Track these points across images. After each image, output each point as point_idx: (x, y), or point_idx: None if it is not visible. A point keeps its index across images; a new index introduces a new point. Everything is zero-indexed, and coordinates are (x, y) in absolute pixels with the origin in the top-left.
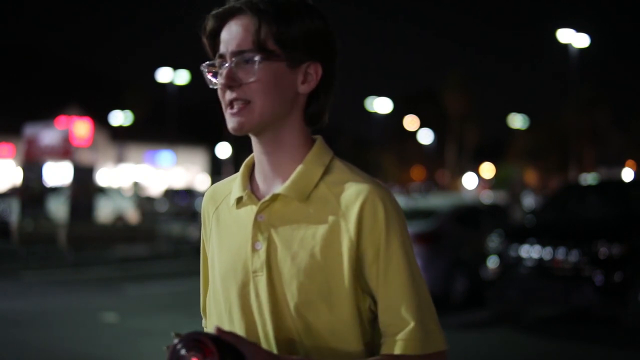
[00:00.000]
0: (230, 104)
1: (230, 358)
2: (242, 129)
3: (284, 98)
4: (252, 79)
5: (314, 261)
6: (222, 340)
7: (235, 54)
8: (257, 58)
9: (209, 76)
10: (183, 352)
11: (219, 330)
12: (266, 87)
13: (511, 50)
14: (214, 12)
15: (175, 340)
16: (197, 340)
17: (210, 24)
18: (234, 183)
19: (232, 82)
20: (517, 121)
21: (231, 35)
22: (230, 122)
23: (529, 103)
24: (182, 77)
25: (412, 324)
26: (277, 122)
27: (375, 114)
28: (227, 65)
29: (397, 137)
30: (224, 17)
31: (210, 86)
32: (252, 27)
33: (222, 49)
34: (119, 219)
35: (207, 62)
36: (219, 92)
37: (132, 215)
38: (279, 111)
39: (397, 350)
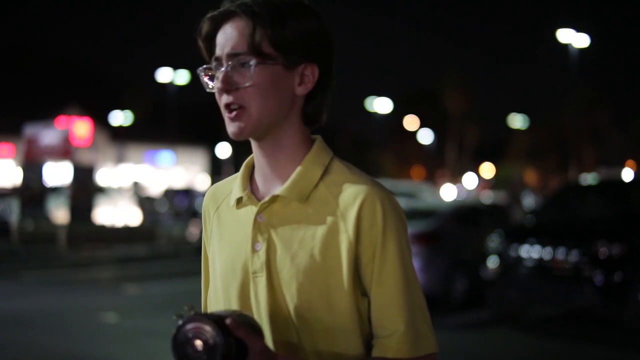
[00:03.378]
0: (228, 107)
1: (235, 347)
2: (242, 134)
3: (281, 100)
4: (248, 84)
5: (313, 262)
6: (231, 331)
7: (230, 56)
8: (252, 62)
9: (206, 79)
10: (189, 334)
11: (234, 323)
12: (262, 91)
13: (511, 50)
14: (209, 15)
15: (180, 321)
16: (202, 329)
17: (205, 27)
18: (234, 183)
19: (228, 86)
20: (517, 121)
21: (226, 37)
22: (230, 127)
23: (529, 103)
24: (182, 77)
25: (402, 327)
26: (276, 124)
27: (375, 114)
28: (223, 69)
29: (397, 137)
30: (220, 20)
31: (207, 90)
32: (247, 30)
33: (218, 51)
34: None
35: (204, 66)
36: (217, 96)
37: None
38: (277, 114)
39: (386, 353)
